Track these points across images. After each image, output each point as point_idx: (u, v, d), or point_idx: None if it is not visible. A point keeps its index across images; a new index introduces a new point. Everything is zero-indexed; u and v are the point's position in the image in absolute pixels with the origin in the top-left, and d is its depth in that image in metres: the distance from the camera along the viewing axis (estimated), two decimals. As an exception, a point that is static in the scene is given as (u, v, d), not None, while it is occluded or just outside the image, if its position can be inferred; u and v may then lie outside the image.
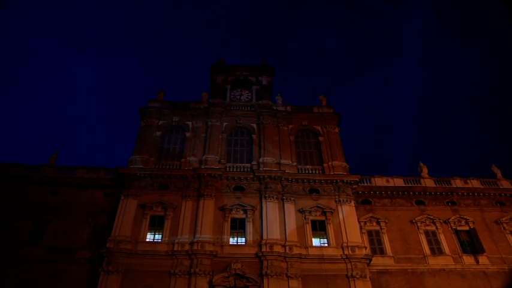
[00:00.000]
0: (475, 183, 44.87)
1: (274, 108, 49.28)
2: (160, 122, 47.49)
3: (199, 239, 36.02)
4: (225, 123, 47.52)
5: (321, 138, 46.72)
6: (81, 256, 36.32)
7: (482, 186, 44.72)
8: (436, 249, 39.40)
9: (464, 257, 38.74)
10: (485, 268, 37.88)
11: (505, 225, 41.66)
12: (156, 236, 37.54)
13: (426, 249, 39.17)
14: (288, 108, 49.93)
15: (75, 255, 36.43)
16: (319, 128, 47.97)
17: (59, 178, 42.21)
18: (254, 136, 46.29)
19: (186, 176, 41.12)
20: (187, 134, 46.24)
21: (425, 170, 46.11)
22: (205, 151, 43.82)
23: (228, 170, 42.29)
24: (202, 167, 41.66)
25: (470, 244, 39.96)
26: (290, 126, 47.82)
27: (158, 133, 46.25)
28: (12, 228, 37.94)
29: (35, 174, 42.44)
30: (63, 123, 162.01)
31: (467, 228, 41.26)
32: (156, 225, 38.10)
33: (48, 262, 35.40)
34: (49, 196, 40.88)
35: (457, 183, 44.68)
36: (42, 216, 39.01)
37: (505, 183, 45.26)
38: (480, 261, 38.42)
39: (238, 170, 42.53)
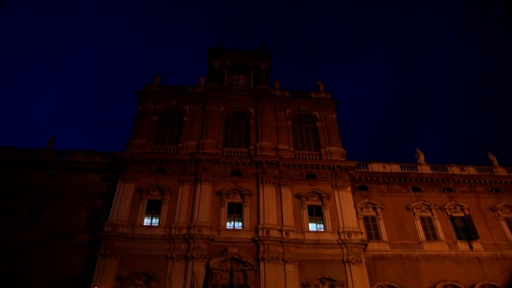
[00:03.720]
0: (471, 170, 44.99)
1: (272, 93, 48.92)
2: (158, 106, 47.10)
3: (196, 224, 36.15)
4: (222, 108, 47.19)
5: (318, 124, 46.59)
6: (79, 240, 36.36)
7: (478, 173, 44.84)
8: (432, 235, 39.70)
9: (458, 243, 39.09)
10: (478, 254, 38.30)
11: (499, 211, 41.98)
12: (153, 220, 37.58)
13: (421, 235, 39.45)
14: (286, 94, 49.59)
15: (73, 239, 36.44)
16: (316, 113, 47.78)
17: (56, 162, 41.89)
18: (251, 121, 46.09)
19: (183, 160, 41.01)
20: (185, 118, 45.94)
21: (422, 157, 46.16)
22: (203, 135, 43.62)
23: (225, 154, 42.20)
24: (200, 151, 41.54)
25: (465, 230, 40.27)
26: (287, 111, 47.58)
27: (155, 117, 45.93)
28: (9, 212, 37.81)
29: (32, 157, 42.11)
30: (60, 109, 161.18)
31: (462, 214, 41.53)
32: (153, 210, 38.11)
33: (45, 246, 35.39)
34: (46, 180, 40.65)
35: (454, 170, 44.80)
36: (39, 200, 38.84)
37: (500, 171, 45.44)
38: (474, 247, 38.80)
39: (236, 155, 42.46)
